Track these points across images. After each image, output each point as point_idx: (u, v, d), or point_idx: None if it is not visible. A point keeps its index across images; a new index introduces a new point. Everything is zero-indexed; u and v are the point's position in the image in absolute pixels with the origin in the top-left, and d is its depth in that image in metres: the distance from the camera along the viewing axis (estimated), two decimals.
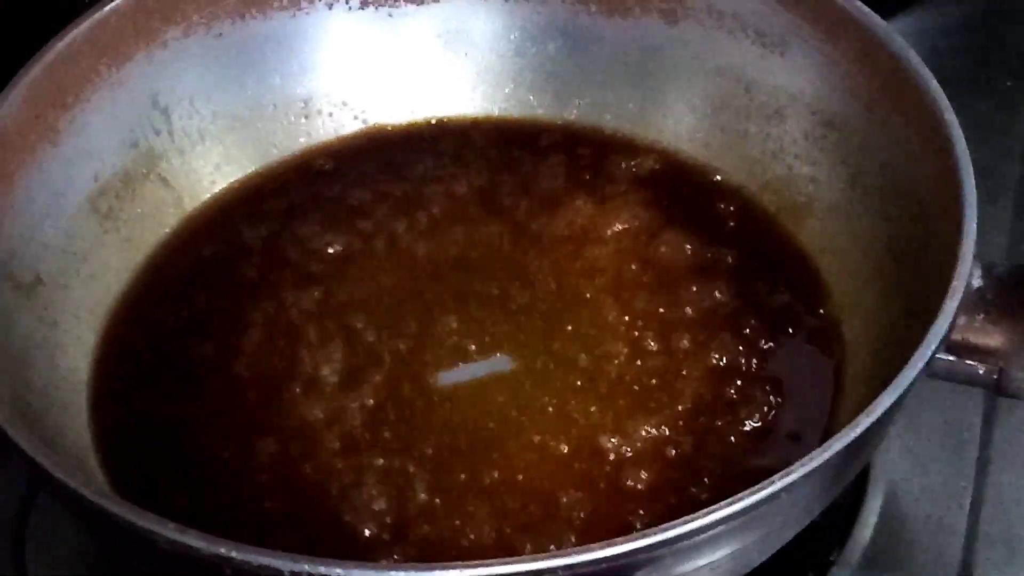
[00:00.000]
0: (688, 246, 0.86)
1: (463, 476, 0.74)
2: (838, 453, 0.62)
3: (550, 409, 0.77)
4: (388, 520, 0.72)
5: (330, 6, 0.93)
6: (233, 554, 0.59)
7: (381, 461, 0.75)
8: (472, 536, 0.72)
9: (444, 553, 0.71)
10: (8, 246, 0.77)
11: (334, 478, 0.74)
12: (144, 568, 0.70)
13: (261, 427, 0.77)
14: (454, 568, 0.58)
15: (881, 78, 0.81)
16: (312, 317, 0.83)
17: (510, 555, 0.59)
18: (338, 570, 0.58)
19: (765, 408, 0.77)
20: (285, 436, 0.76)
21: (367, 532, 0.72)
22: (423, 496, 0.73)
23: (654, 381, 0.78)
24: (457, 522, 0.72)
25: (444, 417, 0.77)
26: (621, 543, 0.58)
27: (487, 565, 0.58)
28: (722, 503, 0.59)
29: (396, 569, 0.59)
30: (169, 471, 0.76)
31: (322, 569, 0.58)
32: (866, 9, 0.82)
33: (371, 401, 0.78)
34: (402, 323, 0.82)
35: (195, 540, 0.59)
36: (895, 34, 0.81)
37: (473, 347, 0.80)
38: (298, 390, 0.78)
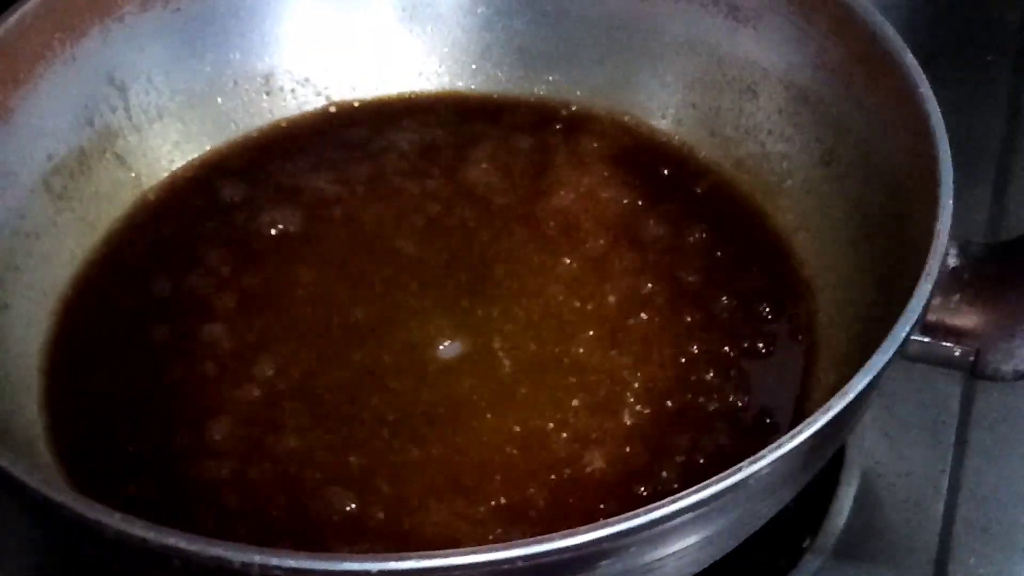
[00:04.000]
0: (659, 225, 0.84)
1: (426, 461, 0.73)
2: (809, 438, 0.60)
3: (514, 392, 0.76)
4: (350, 507, 0.71)
5: None
6: (182, 545, 0.57)
7: (341, 445, 0.73)
8: (435, 524, 0.70)
9: (406, 543, 0.69)
10: None
11: (293, 464, 0.73)
12: (94, 560, 0.68)
13: (219, 412, 0.75)
14: (411, 559, 0.56)
15: (856, 52, 0.80)
16: (273, 299, 0.81)
17: (473, 544, 0.57)
18: (290, 561, 0.56)
19: (735, 391, 0.75)
20: (243, 421, 0.75)
21: (331, 518, 0.70)
22: (384, 485, 0.72)
23: (621, 362, 0.77)
24: (419, 511, 0.71)
25: (408, 399, 0.76)
26: (584, 532, 0.56)
27: (447, 556, 0.56)
28: (688, 491, 0.58)
29: (350, 560, 0.57)
30: (124, 459, 0.74)
31: (274, 560, 0.56)
32: None
33: (332, 384, 0.76)
34: (365, 304, 0.80)
35: (142, 531, 0.57)
36: (871, 7, 0.79)
37: (437, 327, 0.79)
38: (257, 374, 0.77)
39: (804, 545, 0.78)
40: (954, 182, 0.70)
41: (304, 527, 0.70)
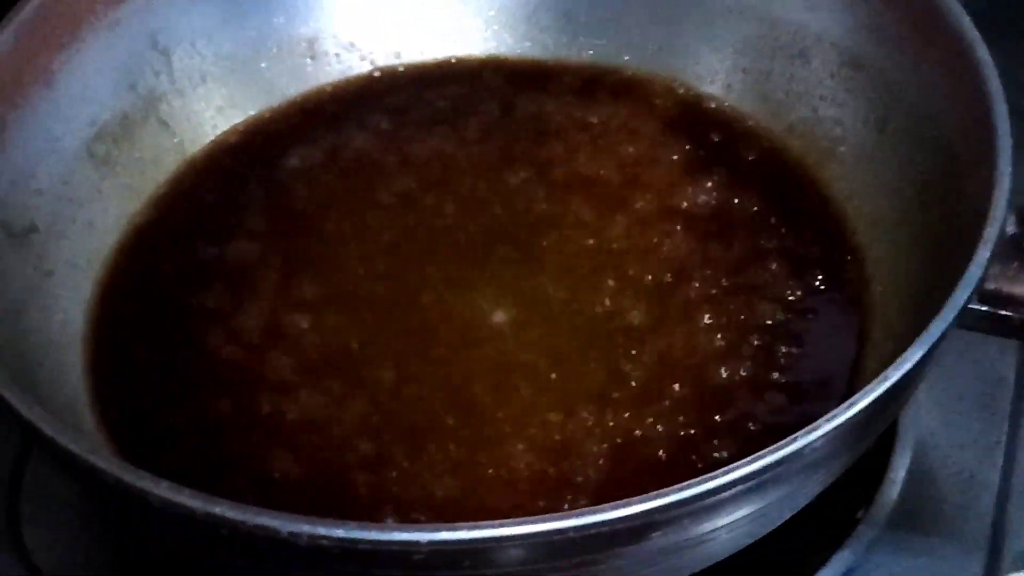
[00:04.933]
0: (710, 191, 0.83)
1: (470, 431, 0.72)
2: (864, 409, 0.59)
3: (564, 359, 0.75)
4: (395, 474, 0.70)
5: None
6: (229, 514, 0.56)
7: (390, 415, 0.73)
8: (486, 493, 0.69)
9: (453, 514, 0.68)
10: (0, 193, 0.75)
11: (340, 433, 0.72)
12: (139, 528, 0.68)
13: (264, 380, 0.74)
14: (461, 530, 0.55)
15: (911, 15, 0.78)
16: (318, 265, 0.80)
17: (522, 515, 0.56)
18: (339, 531, 0.56)
19: (788, 361, 0.74)
20: (289, 389, 0.74)
21: (380, 489, 0.70)
22: (435, 452, 0.71)
23: (673, 331, 0.76)
24: (468, 478, 0.70)
25: (457, 367, 0.75)
26: (635, 503, 0.55)
27: (497, 526, 0.55)
28: (741, 462, 0.57)
29: (400, 531, 0.56)
30: (169, 426, 0.73)
31: (322, 530, 0.56)
32: None
33: (379, 352, 0.75)
34: (412, 271, 0.80)
35: (189, 499, 0.57)
36: None
37: (483, 294, 0.78)
38: (302, 341, 0.76)
39: (858, 516, 0.77)
40: (1012, 148, 0.68)
41: (352, 499, 0.69)
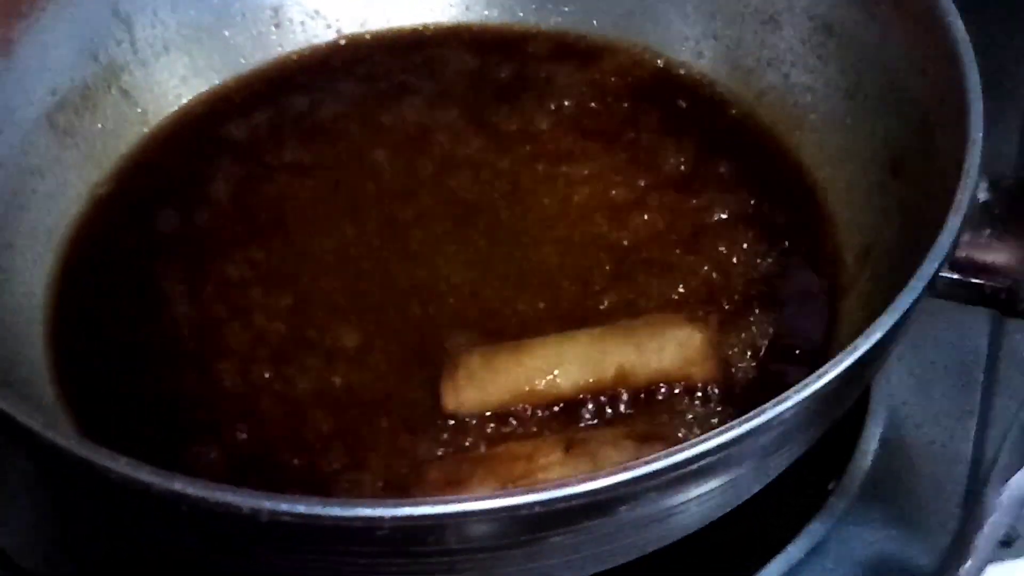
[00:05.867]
0: (680, 158, 0.82)
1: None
2: (835, 378, 0.58)
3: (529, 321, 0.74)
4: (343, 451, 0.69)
5: None
6: (189, 490, 0.55)
7: (355, 388, 0.72)
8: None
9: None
10: None
11: (302, 405, 0.71)
12: (98, 504, 0.67)
13: (227, 352, 0.74)
14: (425, 505, 0.54)
15: None
16: (282, 235, 0.79)
17: None
18: (300, 507, 0.55)
19: (759, 328, 0.73)
20: (252, 360, 0.73)
21: (331, 465, 0.69)
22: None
23: (644, 298, 0.75)
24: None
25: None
26: (602, 477, 0.55)
27: (462, 502, 0.55)
28: (709, 434, 0.56)
29: (362, 506, 0.55)
30: (131, 400, 0.72)
31: (283, 506, 0.55)
32: None
33: (345, 320, 0.75)
34: (377, 239, 0.79)
35: (148, 476, 0.56)
36: None
37: (449, 262, 0.78)
38: (266, 311, 0.75)
39: (829, 487, 0.76)
40: (984, 115, 0.68)
41: (314, 472, 0.68)
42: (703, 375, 0.71)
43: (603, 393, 0.71)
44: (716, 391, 0.71)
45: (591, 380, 0.70)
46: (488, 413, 0.70)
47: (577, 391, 0.70)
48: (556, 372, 0.70)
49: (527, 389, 0.70)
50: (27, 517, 0.77)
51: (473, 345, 0.72)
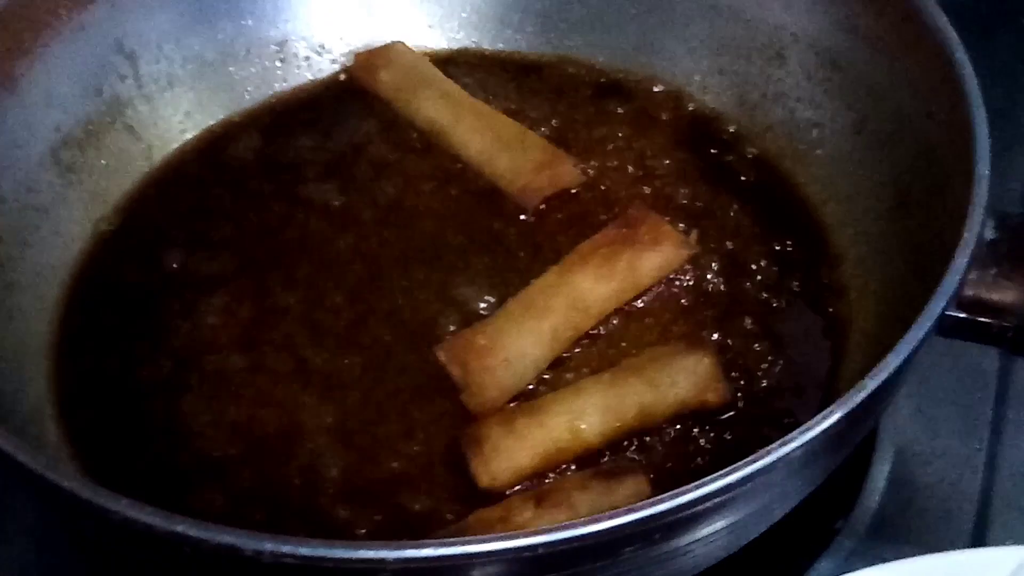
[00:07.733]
0: (684, 192, 0.82)
1: None
2: (841, 419, 0.58)
3: None
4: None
5: None
6: (191, 532, 0.55)
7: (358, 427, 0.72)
8: None
9: None
10: None
11: (306, 443, 0.71)
12: (100, 543, 0.67)
13: (232, 389, 0.73)
14: (428, 547, 0.54)
15: (888, 15, 0.77)
16: (286, 270, 0.79)
17: None
18: (303, 549, 0.54)
19: (763, 368, 0.73)
20: (255, 399, 0.73)
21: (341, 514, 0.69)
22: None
23: (645, 336, 0.75)
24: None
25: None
26: (607, 519, 0.55)
27: (465, 544, 0.55)
28: (715, 475, 0.56)
29: (365, 548, 0.55)
30: (134, 437, 0.72)
31: (285, 548, 0.54)
32: None
33: (349, 363, 0.74)
34: (379, 280, 0.78)
35: (150, 516, 0.56)
36: None
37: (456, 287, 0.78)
38: (269, 350, 0.75)
39: (837, 526, 0.76)
40: (991, 151, 0.67)
41: (317, 512, 0.68)
42: (718, 398, 0.71)
43: (629, 436, 0.70)
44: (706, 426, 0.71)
45: (617, 425, 0.70)
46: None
47: (604, 440, 0.70)
48: (582, 425, 0.69)
49: (556, 448, 0.69)
50: (29, 557, 0.77)
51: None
